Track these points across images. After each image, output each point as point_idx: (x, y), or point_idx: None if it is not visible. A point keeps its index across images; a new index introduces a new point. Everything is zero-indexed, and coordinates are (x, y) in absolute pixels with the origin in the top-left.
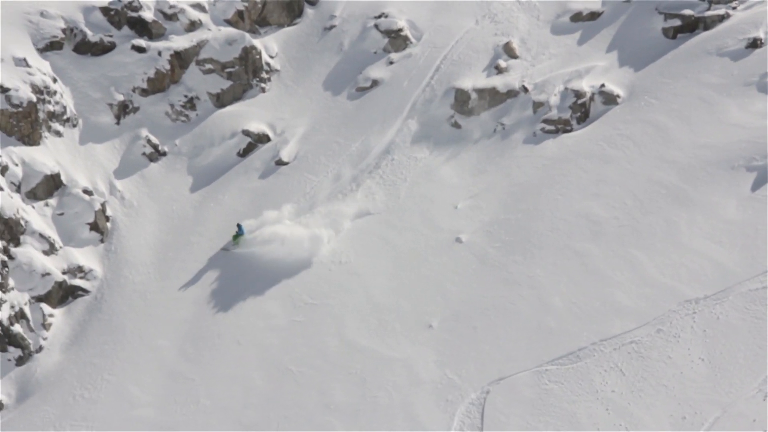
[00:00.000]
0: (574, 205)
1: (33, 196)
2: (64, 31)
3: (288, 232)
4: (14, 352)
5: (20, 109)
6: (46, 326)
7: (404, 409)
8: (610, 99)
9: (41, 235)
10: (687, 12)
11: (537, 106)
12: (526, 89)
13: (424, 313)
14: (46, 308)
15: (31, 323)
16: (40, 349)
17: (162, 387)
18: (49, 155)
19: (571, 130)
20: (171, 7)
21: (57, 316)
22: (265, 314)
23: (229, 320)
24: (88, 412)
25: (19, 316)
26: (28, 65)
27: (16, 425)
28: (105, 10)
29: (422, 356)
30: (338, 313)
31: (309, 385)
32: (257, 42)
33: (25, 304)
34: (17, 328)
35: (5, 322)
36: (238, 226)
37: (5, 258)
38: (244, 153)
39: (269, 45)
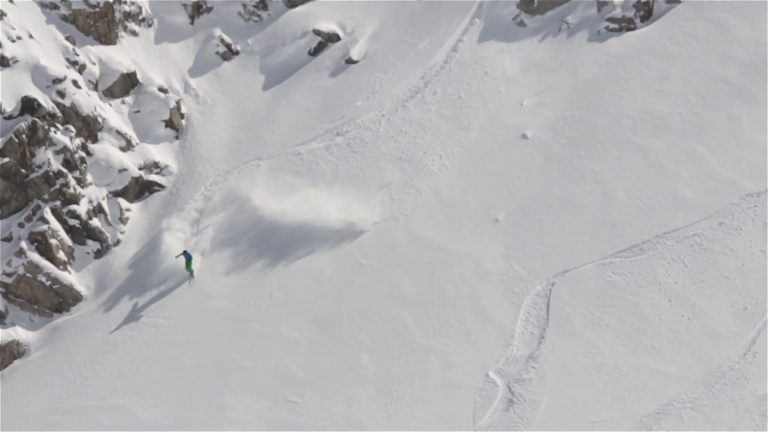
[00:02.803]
0: (638, 102)
1: (110, 94)
2: None
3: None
4: (92, 245)
5: (97, 10)
6: (123, 220)
7: (471, 301)
8: None
9: (118, 132)
10: None
11: (601, 5)
12: None
13: (490, 208)
14: (123, 203)
15: (109, 217)
16: (117, 242)
17: (236, 279)
18: (125, 54)
19: (634, 29)
20: None
21: (134, 210)
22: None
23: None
24: (165, 303)
25: (97, 210)
26: None
27: (95, 316)
28: None
29: (489, 249)
30: (407, 208)
31: (379, 278)
32: None
33: (103, 198)
34: (95, 222)
35: (84, 217)
36: (184, 252)
37: (83, 154)
38: (315, 52)
39: None
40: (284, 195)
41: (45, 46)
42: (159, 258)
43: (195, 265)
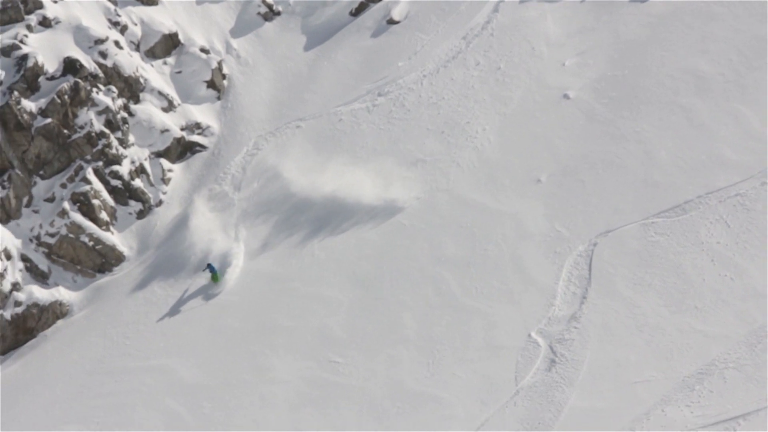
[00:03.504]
0: (680, 62)
1: (152, 54)
2: None
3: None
4: (135, 205)
5: None
6: (165, 181)
7: (513, 261)
8: None
9: (160, 93)
10: None
11: None
12: None
13: (532, 168)
14: (165, 163)
15: (151, 178)
16: (159, 203)
17: (278, 240)
18: (167, 15)
19: None
20: None
21: (176, 171)
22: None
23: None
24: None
25: (140, 171)
26: None
27: (137, 276)
28: None
29: (531, 210)
30: (448, 168)
31: (420, 238)
32: None
33: (145, 159)
34: (138, 182)
35: (126, 177)
36: (208, 265)
37: (126, 115)
38: (356, 12)
39: None
40: (323, 168)
41: (87, 6)
42: (189, 237)
43: (220, 276)
